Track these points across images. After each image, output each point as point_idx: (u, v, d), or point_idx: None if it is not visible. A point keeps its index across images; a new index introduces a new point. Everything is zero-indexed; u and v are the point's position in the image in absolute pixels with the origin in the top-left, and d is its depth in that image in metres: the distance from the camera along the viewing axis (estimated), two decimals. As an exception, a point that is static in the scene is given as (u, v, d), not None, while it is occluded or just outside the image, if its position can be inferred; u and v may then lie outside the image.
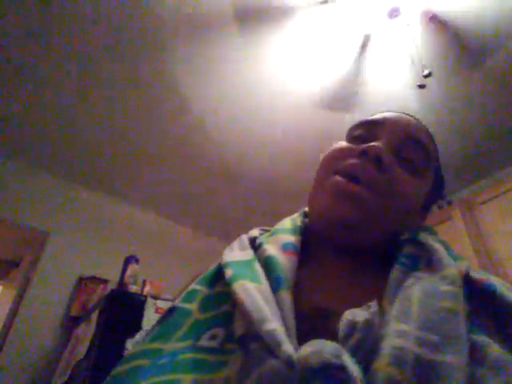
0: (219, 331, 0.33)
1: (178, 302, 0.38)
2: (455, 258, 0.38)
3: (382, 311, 0.31)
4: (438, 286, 0.31)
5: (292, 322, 0.30)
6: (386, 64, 1.87)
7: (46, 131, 2.25)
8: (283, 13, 1.68)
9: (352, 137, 0.48)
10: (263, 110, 2.15)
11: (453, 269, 0.34)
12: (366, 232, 0.41)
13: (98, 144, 2.35)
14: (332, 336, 0.27)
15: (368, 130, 0.48)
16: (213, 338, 0.32)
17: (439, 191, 0.52)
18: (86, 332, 1.82)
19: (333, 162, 0.45)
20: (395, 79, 1.95)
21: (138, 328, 1.64)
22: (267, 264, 0.36)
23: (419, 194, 0.45)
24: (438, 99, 2.05)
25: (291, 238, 0.42)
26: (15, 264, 2.61)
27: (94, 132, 2.27)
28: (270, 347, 0.26)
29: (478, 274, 0.35)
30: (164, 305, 1.81)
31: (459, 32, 1.69)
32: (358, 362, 0.25)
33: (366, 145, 0.42)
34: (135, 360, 0.33)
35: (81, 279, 2.35)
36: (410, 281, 0.34)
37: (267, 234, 0.46)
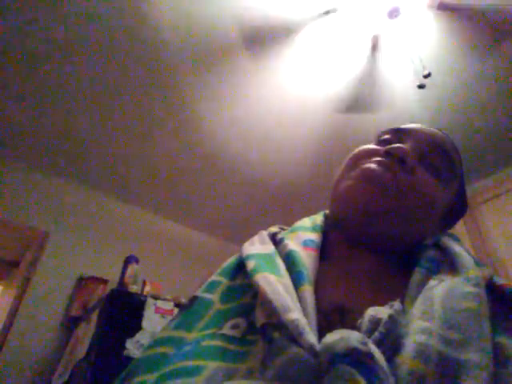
0: (241, 321, 0.33)
1: (199, 292, 0.39)
2: (478, 264, 0.38)
3: (404, 311, 0.31)
4: (461, 287, 0.31)
5: (314, 318, 0.30)
6: (392, 64, 1.87)
7: (46, 131, 2.25)
8: (289, 30, 1.73)
9: (379, 140, 0.50)
10: (277, 120, 2.19)
11: (476, 271, 0.34)
12: (386, 224, 0.41)
13: (98, 144, 2.35)
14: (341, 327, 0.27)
15: (395, 135, 0.49)
16: (235, 327, 0.33)
17: (462, 209, 0.52)
18: (86, 332, 1.82)
19: (357, 161, 0.45)
20: (399, 79, 1.95)
21: (138, 328, 1.64)
22: (289, 259, 0.37)
23: (442, 198, 0.45)
24: (439, 99, 2.05)
25: (312, 235, 0.42)
26: (15, 264, 2.61)
27: (94, 132, 2.27)
28: (293, 336, 0.26)
29: (501, 280, 0.36)
30: (164, 305, 1.81)
31: (472, 15, 1.64)
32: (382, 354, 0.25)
33: (391, 146, 0.43)
34: (160, 347, 0.34)
35: (81, 279, 2.35)
36: (432, 282, 0.34)
37: (286, 231, 0.47)
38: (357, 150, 0.48)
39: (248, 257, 0.38)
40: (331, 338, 0.25)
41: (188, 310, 0.37)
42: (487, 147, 2.32)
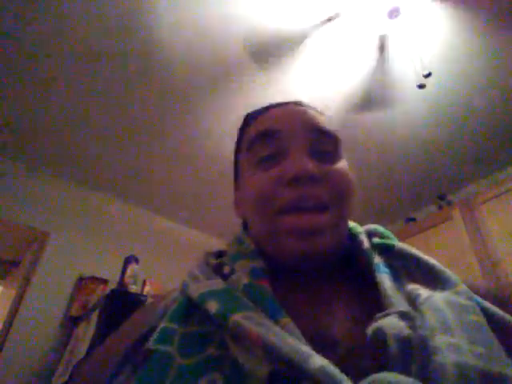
0: (216, 376, 0.29)
1: (152, 344, 0.33)
2: None
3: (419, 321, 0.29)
4: (459, 301, 0.30)
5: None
6: (399, 64, 1.88)
7: (46, 131, 2.25)
8: (295, 40, 1.77)
9: (259, 159, 0.43)
10: None
11: (462, 285, 0.33)
12: (339, 247, 0.41)
13: (98, 144, 2.35)
14: (338, 360, 0.26)
15: (271, 144, 0.43)
16: (211, 383, 0.28)
17: None
18: (86, 332, 1.83)
19: (268, 201, 0.40)
20: (406, 78, 1.95)
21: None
22: (252, 292, 0.34)
23: (350, 173, 0.44)
24: (442, 98, 2.05)
25: (256, 264, 0.39)
26: (15, 264, 2.61)
27: (94, 132, 2.27)
28: None
29: None
30: (164, 305, 1.81)
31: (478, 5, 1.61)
32: None
33: (291, 171, 0.39)
34: None
35: (81, 279, 2.35)
36: (422, 291, 0.32)
37: (227, 258, 0.42)
38: (256, 188, 0.42)
39: (203, 297, 0.33)
40: None
41: (144, 367, 0.31)
42: (487, 147, 2.32)
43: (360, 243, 0.41)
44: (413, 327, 0.27)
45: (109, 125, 2.23)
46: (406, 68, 1.86)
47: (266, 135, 0.44)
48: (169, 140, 2.33)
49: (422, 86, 1.65)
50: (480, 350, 0.25)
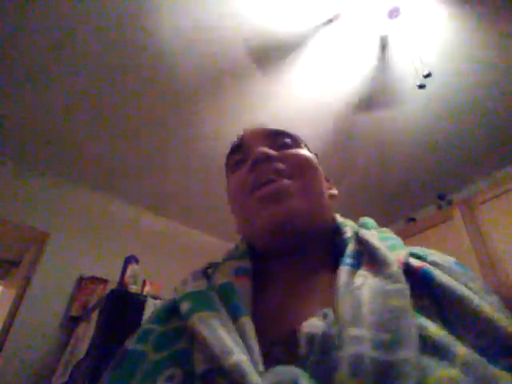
0: (176, 371, 0.30)
1: (130, 345, 0.35)
2: (393, 247, 0.38)
3: (338, 316, 0.30)
4: (384, 285, 0.31)
5: (257, 349, 0.29)
6: (400, 64, 1.88)
7: (46, 131, 2.25)
8: (295, 42, 1.77)
9: (232, 165, 0.52)
10: (290, 125, 2.24)
11: (395, 267, 0.33)
12: (310, 217, 0.42)
13: (99, 144, 2.35)
14: (298, 356, 0.28)
15: (239, 152, 0.52)
16: (170, 379, 0.30)
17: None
18: (86, 332, 1.82)
19: (243, 188, 0.46)
20: (408, 79, 1.95)
21: (138, 328, 1.63)
22: (222, 291, 0.36)
23: (314, 159, 0.50)
24: (439, 99, 2.05)
25: (242, 263, 0.42)
26: (15, 264, 2.61)
27: (94, 134, 2.27)
28: (235, 381, 0.25)
29: (415, 261, 0.37)
30: (164, 305, 1.80)
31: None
32: (321, 378, 0.25)
33: (250, 158, 0.46)
34: None
35: (81, 279, 2.35)
36: (357, 280, 0.33)
37: (219, 263, 0.46)
38: (233, 183, 0.49)
39: (181, 298, 0.37)
40: (271, 378, 0.25)
41: (117, 367, 0.33)
42: (487, 147, 2.32)
43: (343, 234, 0.44)
44: (329, 325, 0.29)
45: (108, 125, 2.23)
46: (407, 68, 1.86)
47: (235, 148, 0.53)
48: (169, 141, 2.34)
49: (422, 86, 1.65)
50: (384, 336, 0.26)
